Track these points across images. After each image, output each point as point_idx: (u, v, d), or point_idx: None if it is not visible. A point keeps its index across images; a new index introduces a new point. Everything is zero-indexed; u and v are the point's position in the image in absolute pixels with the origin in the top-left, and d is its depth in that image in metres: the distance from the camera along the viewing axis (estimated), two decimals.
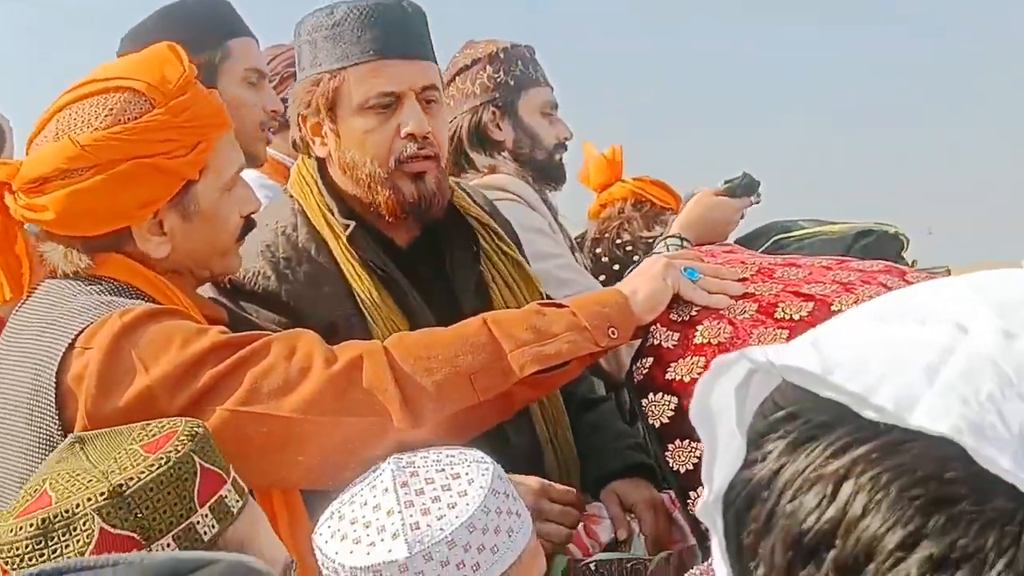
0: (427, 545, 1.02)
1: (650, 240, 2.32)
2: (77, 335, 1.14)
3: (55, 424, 1.12)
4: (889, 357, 0.37)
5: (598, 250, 2.43)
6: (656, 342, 1.30)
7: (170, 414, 1.08)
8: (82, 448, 0.86)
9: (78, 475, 0.83)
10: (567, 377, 1.29)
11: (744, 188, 2.04)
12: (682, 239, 1.92)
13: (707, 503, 0.43)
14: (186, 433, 0.88)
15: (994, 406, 0.34)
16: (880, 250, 1.93)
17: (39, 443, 1.13)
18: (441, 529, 1.03)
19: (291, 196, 1.53)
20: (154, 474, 0.83)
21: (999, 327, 0.36)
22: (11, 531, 0.81)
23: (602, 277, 2.29)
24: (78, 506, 0.81)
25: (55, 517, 0.80)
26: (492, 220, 1.62)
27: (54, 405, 1.12)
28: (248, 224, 1.34)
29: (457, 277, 1.53)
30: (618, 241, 2.41)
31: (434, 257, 1.54)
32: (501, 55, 2.06)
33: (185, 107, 1.23)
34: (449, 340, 1.21)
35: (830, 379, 0.37)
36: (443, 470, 1.09)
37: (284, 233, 1.46)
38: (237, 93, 1.82)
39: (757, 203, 2.06)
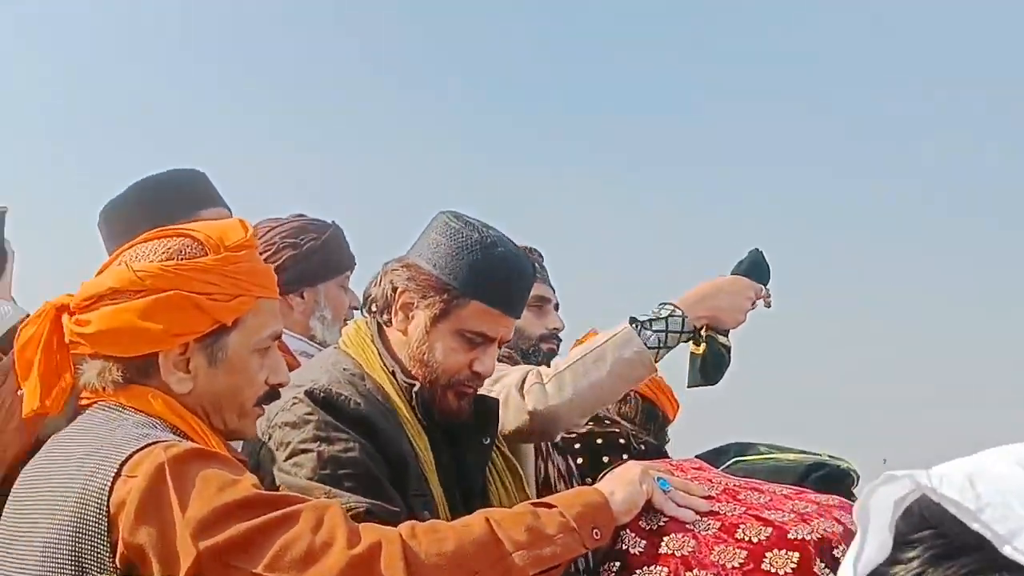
0: None
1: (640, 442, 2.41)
2: (123, 463, 1.22)
3: (104, 546, 1.20)
4: None
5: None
6: (625, 547, 1.37)
7: (195, 554, 1.16)
8: None
9: None
10: (556, 573, 1.36)
11: (751, 265, 1.93)
12: (672, 306, 1.83)
13: None
14: None
15: None
16: (833, 483, 2.01)
17: (86, 564, 1.20)
18: None
19: (345, 352, 1.69)
20: None
21: None
22: None
23: (577, 445, 2.38)
24: None
25: None
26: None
27: (106, 529, 1.20)
28: (272, 394, 1.45)
29: (467, 458, 1.71)
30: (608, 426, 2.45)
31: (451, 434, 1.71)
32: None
33: (235, 262, 1.38)
34: (458, 536, 1.28)
35: (981, 517, 0.45)
36: None
37: (354, 376, 1.62)
38: None
39: (768, 305, 1.93)
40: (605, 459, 2.36)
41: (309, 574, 1.18)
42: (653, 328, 1.82)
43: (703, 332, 1.89)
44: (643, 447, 2.43)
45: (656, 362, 1.83)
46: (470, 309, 1.62)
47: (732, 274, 1.93)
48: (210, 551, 1.18)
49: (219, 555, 1.18)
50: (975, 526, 0.45)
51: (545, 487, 2.03)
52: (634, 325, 1.82)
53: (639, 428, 2.50)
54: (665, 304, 1.85)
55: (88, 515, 1.21)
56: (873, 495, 0.51)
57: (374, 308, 1.70)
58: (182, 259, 1.37)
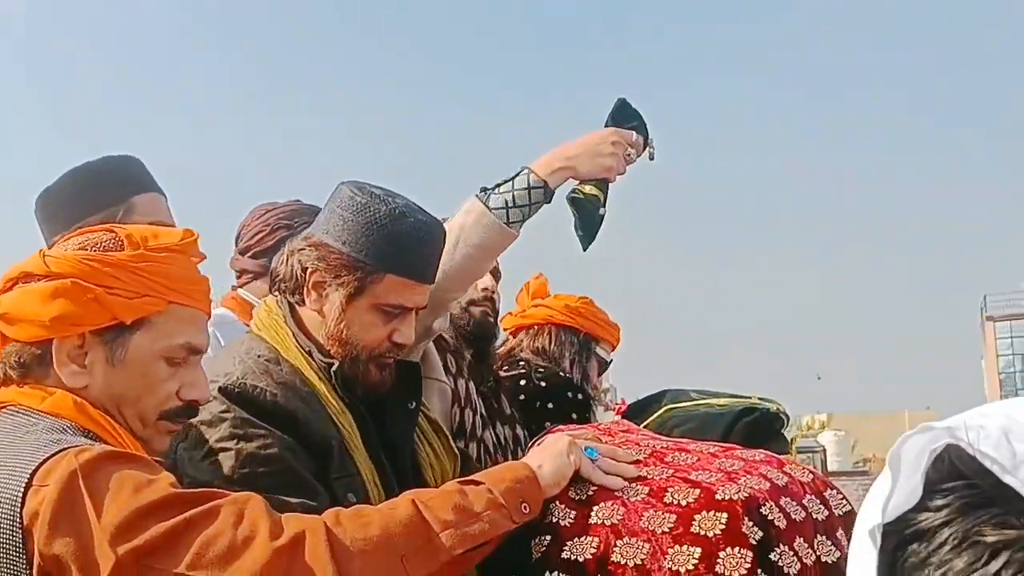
0: None
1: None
2: (34, 472, 1.19)
3: (20, 558, 1.17)
4: None
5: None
6: (554, 519, 1.37)
7: (113, 559, 1.14)
8: None
9: None
10: (485, 552, 1.36)
11: (613, 113, 1.84)
12: (522, 167, 1.79)
13: (876, 525, 0.53)
14: None
15: None
16: (763, 426, 2.06)
17: None
18: None
19: (259, 337, 1.65)
20: None
21: None
22: None
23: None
24: None
25: None
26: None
27: (21, 542, 1.17)
28: (186, 410, 1.41)
29: (396, 432, 1.71)
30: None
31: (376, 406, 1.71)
32: None
33: (149, 261, 1.35)
34: (383, 520, 1.27)
35: (1018, 474, 0.48)
36: None
37: (268, 362, 1.59)
38: None
39: (651, 157, 1.87)
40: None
41: (232, 569, 1.17)
42: (500, 191, 1.79)
43: (578, 188, 1.84)
44: (543, 383, 2.43)
45: (510, 224, 1.79)
46: (385, 283, 1.60)
47: None
48: (129, 555, 1.15)
49: (139, 558, 1.16)
50: (1009, 479, 0.48)
51: (459, 435, 2.02)
52: (482, 193, 1.82)
53: (557, 359, 2.50)
54: (521, 167, 1.81)
55: (1, 528, 1.18)
56: (906, 443, 0.54)
57: (283, 287, 1.67)
58: (94, 250, 1.35)
